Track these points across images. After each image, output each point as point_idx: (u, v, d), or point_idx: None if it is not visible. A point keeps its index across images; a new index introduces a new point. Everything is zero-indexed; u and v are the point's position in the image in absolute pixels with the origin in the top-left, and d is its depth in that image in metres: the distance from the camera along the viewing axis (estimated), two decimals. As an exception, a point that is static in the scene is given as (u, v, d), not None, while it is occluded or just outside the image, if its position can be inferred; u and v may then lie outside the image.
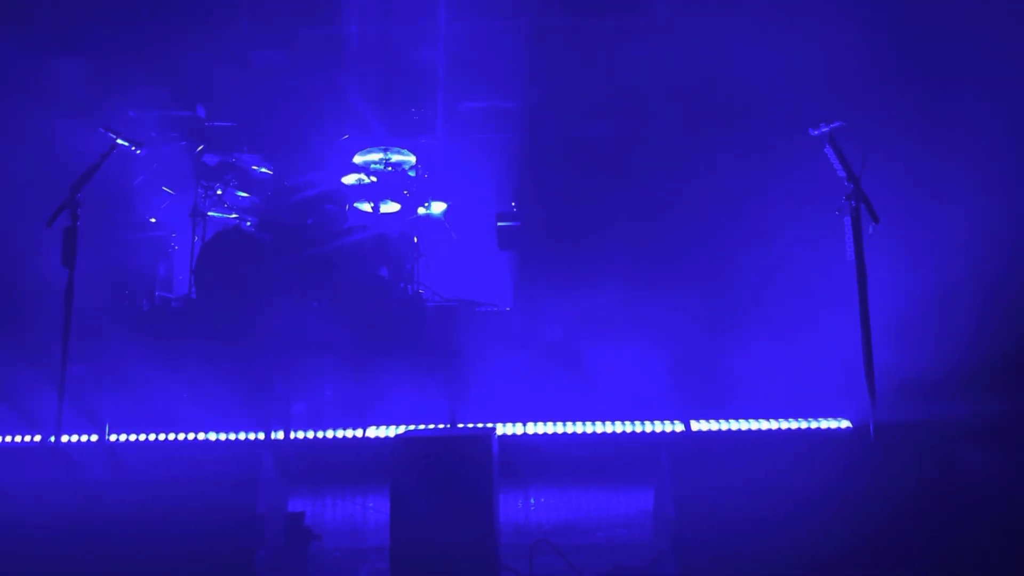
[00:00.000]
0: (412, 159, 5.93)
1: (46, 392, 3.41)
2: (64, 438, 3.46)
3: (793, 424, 4.52)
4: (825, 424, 4.53)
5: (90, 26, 5.62)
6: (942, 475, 2.62)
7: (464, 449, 2.75)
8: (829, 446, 3.32)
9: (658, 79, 5.97)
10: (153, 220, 6.02)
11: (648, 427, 4.55)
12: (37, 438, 4.52)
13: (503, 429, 4.52)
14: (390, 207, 6.04)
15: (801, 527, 2.51)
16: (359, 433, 4.62)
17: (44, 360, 3.57)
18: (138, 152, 3.73)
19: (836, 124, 3.32)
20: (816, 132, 3.34)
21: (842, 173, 3.26)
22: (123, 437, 4.61)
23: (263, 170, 5.96)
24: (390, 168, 5.88)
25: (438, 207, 6.31)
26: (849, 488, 2.59)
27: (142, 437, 4.63)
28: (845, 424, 4.50)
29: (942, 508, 2.54)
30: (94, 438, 4.54)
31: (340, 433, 4.62)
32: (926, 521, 2.51)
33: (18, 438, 4.59)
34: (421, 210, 6.08)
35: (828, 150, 3.30)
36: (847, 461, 2.76)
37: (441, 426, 4.54)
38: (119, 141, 3.63)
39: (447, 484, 2.70)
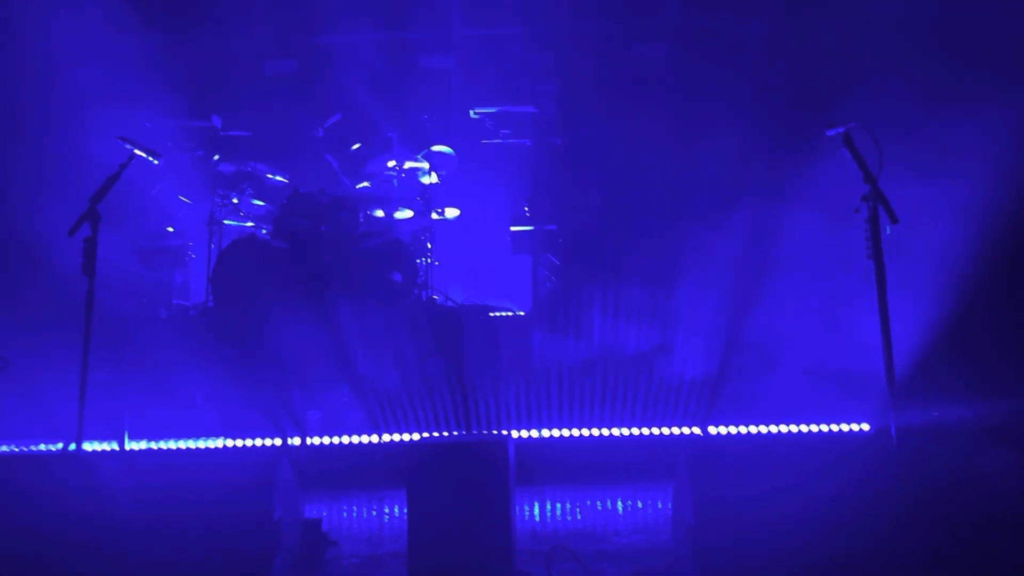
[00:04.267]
0: (425, 165, 5.95)
1: (67, 399, 3.45)
2: (84, 445, 3.49)
3: (812, 427, 4.48)
4: (845, 427, 4.48)
5: (106, 37, 5.71)
6: (965, 479, 2.58)
7: (480, 455, 2.75)
8: (849, 450, 3.28)
9: (668, 80, 5.96)
10: (171, 229, 6.09)
11: (665, 431, 4.52)
12: (59, 445, 4.57)
13: (519, 434, 4.51)
14: (404, 213, 6.06)
15: (821, 532, 2.48)
16: (375, 439, 4.63)
17: (65, 367, 3.61)
18: (155, 162, 3.78)
19: (851, 124, 3.29)
20: (832, 132, 3.31)
21: (859, 174, 3.23)
22: (141, 444, 4.65)
23: (278, 178, 6.01)
24: (403, 175, 5.91)
25: (452, 212, 6.33)
26: (870, 492, 2.55)
27: (160, 444, 4.67)
28: (865, 427, 4.45)
29: (964, 512, 2.49)
30: (113, 445, 4.58)
31: (356, 439, 4.63)
32: (948, 526, 2.47)
33: (39, 446, 4.65)
34: (435, 215, 6.10)
35: (844, 151, 3.27)
36: (868, 465, 2.72)
37: (456, 432, 4.54)
38: (137, 152, 3.68)
39: (464, 490, 2.70)
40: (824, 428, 4.47)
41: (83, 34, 5.57)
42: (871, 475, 2.63)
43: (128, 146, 3.67)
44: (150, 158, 3.75)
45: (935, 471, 2.62)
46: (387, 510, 3.90)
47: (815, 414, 4.48)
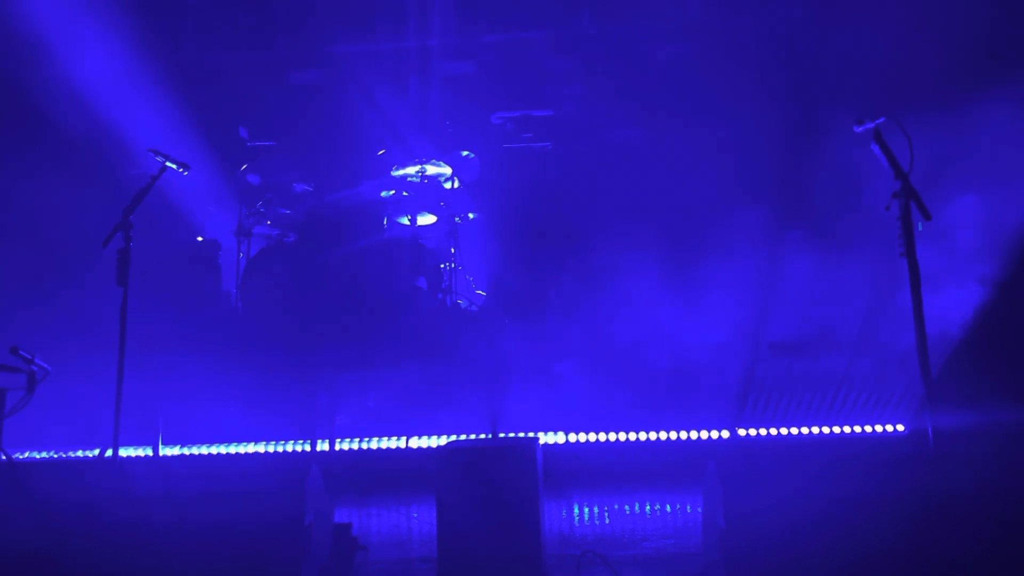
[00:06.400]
0: (448, 171, 5.99)
1: (103, 406, 3.52)
2: (119, 451, 3.57)
3: (846, 429, 4.39)
4: (879, 429, 4.39)
5: (138, 55, 5.87)
6: (1003, 482, 2.50)
7: (508, 458, 2.75)
8: (884, 452, 3.21)
9: (689, 82, 5.93)
10: (200, 239, 6.21)
11: (694, 434, 4.47)
12: (95, 452, 4.67)
13: (546, 438, 4.50)
14: (427, 219, 6.10)
15: (855, 536, 2.42)
16: (403, 443, 4.65)
17: (101, 375, 3.68)
18: (185, 173, 3.85)
19: (880, 119, 3.22)
20: (860, 128, 3.25)
21: (890, 170, 3.16)
22: (174, 450, 4.73)
23: (304, 187, 6.09)
24: (426, 181, 5.95)
25: (474, 217, 6.35)
26: (905, 496, 2.49)
27: (192, 449, 4.75)
28: (900, 429, 4.35)
29: (1003, 517, 2.42)
30: (147, 451, 4.67)
31: (385, 443, 4.65)
32: (986, 531, 2.40)
33: (76, 452, 4.76)
34: (457, 220, 6.12)
35: (874, 147, 3.21)
36: (903, 468, 2.65)
37: (483, 436, 4.54)
38: (168, 163, 3.75)
39: (492, 494, 2.70)
40: (858, 430, 4.39)
41: (113, 51, 5.73)
42: (906, 478, 2.57)
43: (159, 158, 3.75)
44: (180, 169, 3.82)
45: (972, 474, 2.55)
46: (416, 514, 3.91)
47: (848, 415, 4.40)
